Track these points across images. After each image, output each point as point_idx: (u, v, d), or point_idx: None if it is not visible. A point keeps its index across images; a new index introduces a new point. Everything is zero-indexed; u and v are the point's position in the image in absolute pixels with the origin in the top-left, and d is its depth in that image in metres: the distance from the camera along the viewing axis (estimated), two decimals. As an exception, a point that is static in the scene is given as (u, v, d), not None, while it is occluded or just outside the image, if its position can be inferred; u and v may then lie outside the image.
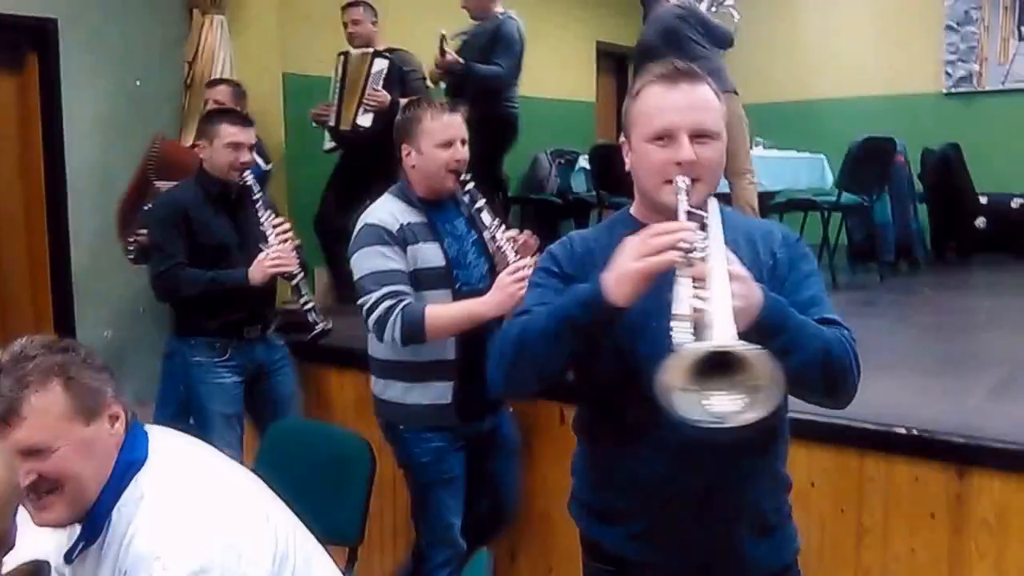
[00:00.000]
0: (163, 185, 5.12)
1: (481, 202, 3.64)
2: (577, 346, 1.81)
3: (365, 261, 3.49)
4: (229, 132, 4.38)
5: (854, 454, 3.32)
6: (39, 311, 6.10)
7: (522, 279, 3.23)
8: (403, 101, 5.84)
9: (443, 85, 6.58)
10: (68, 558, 2.23)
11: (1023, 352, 4.65)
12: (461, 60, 6.27)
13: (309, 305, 4.49)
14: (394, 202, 3.62)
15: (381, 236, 3.48)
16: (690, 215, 1.99)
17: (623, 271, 1.87)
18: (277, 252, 4.28)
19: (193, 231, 4.33)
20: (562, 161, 9.84)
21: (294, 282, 4.40)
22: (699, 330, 1.71)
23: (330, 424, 3.90)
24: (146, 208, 5.03)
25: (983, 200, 9.30)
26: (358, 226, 3.58)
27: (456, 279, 3.55)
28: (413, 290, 3.45)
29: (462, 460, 3.67)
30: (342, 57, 6.63)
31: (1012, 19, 9.82)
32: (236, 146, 4.37)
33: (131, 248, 5.21)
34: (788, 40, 10.81)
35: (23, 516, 2.18)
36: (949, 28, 10.14)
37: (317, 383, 5.15)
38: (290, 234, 4.38)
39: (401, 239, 3.48)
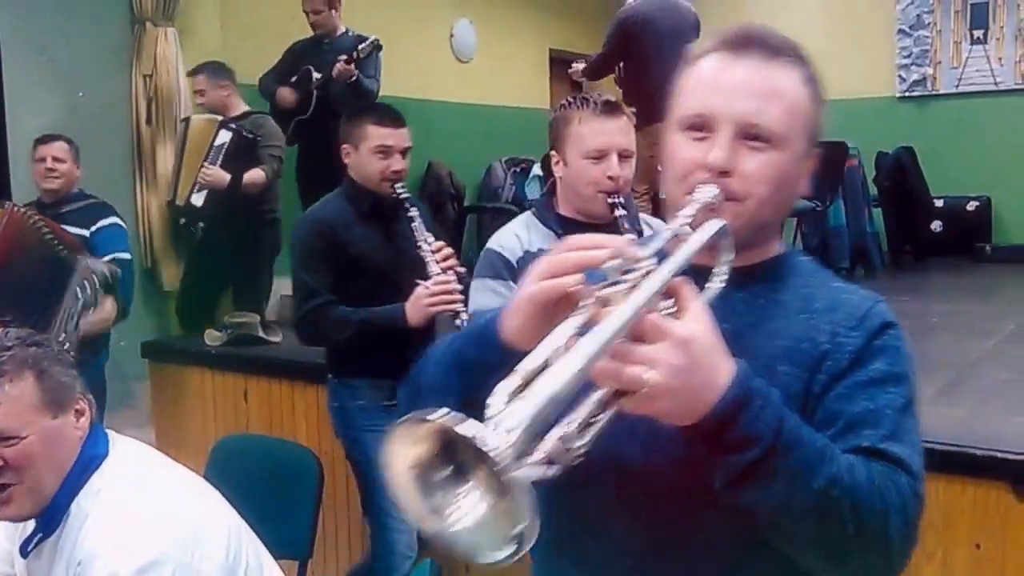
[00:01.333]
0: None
1: (629, 235, 2.71)
2: (463, 389, 1.31)
3: (474, 295, 3.00)
4: (377, 134, 3.72)
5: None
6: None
7: None
8: (247, 177, 5.70)
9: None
10: (24, 551, 2.28)
11: (971, 355, 4.73)
12: (355, 71, 6.29)
13: None
14: (528, 223, 3.02)
15: (496, 266, 2.93)
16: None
17: (517, 296, 1.35)
18: (440, 288, 3.52)
19: (350, 255, 3.69)
20: (517, 169, 9.89)
21: (458, 322, 3.49)
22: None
23: (277, 438, 3.89)
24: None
25: (938, 203, 9.44)
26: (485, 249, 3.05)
27: None
28: None
29: None
30: (184, 123, 6.26)
31: (964, 23, 9.95)
32: (385, 151, 3.72)
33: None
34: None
35: None
36: (902, 32, 10.26)
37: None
38: (454, 261, 3.65)
39: (520, 271, 2.72)
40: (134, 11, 6.55)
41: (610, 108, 2.95)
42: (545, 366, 1.13)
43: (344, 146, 3.84)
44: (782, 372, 1.43)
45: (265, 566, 2.44)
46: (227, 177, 5.72)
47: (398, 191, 3.73)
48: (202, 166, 5.81)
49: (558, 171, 3.02)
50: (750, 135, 1.44)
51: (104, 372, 4.96)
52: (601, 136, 2.89)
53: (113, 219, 5.13)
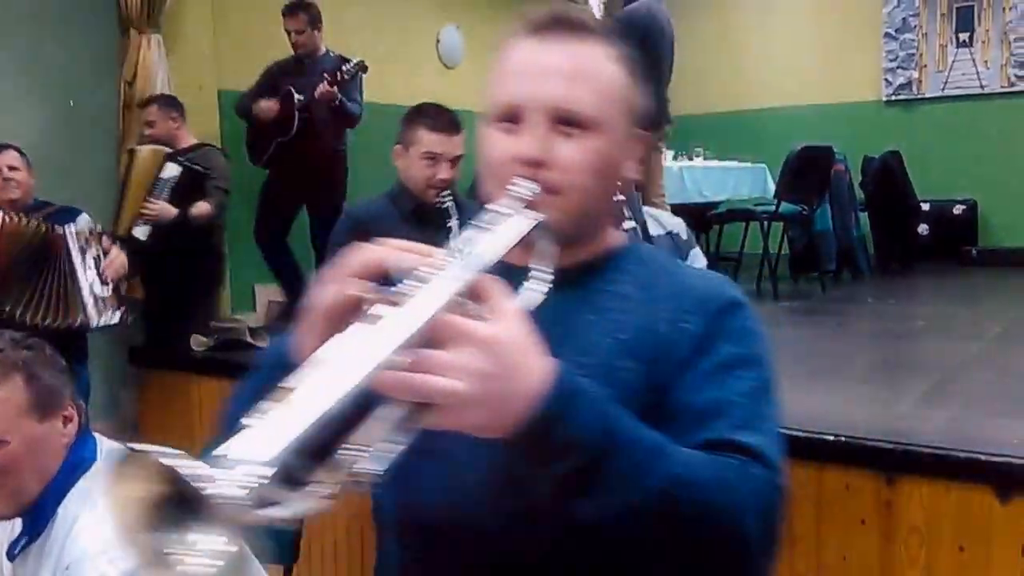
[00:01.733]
0: None
1: (627, 224, 2.51)
2: None
3: None
4: (427, 140, 3.57)
5: (785, 462, 3.35)
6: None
7: None
8: (194, 210, 5.60)
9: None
10: (11, 555, 2.28)
11: (956, 358, 4.74)
12: (338, 95, 6.29)
13: None
14: None
15: None
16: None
17: (306, 311, 1.20)
18: None
19: None
20: (504, 174, 9.91)
21: None
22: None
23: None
24: None
25: (925, 207, 9.45)
26: None
27: None
28: None
29: None
30: (129, 154, 6.04)
31: (949, 26, 9.98)
32: (433, 158, 3.57)
33: None
34: (727, 50, 10.91)
35: None
36: (887, 36, 10.27)
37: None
38: None
39: None
40: (122, 17, 6.55)
41: None
42: (312, 383, 0.97)
43: (397, 146, 3.68)
44: (622, 368, 1.33)
45: (252, 571, 2.44)
46: (173, 211, 5.56)
47: (442, 200, 3.54)
48: (147, 199, 5.64)
49: None
50: (563, 120, 1.35)
51: (89, 376, 4.95)
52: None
53: (86, 216, 5.12)
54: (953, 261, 9.18)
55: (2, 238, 4.58)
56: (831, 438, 3.29)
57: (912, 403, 3.81)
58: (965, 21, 9.93)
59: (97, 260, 4.72)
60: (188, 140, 6.04)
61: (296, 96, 6.37)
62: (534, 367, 1.09)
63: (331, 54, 6.64)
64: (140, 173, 5.77)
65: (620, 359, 1.33)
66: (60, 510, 2.21)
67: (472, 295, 1.10)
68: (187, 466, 0.86)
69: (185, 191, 5.64)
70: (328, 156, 6.47)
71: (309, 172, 6.34)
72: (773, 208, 7.49)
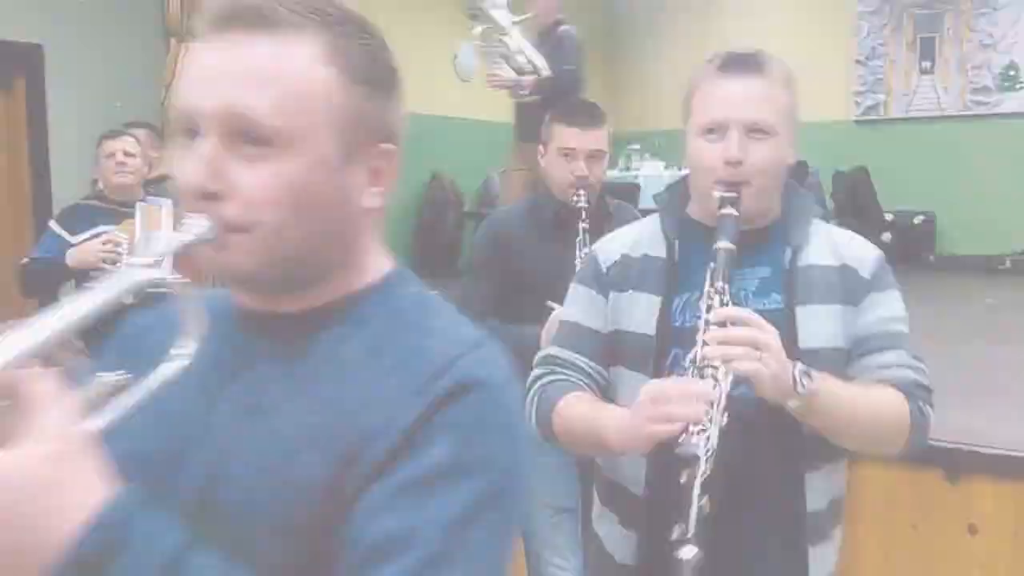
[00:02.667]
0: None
1: (723, 242, 1.71)
2: None
3: (565, 302, 2.02)
4: (560, 134, 3.01)
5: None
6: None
7: (663, 402, 1.58)
8: None
9: None
10: None
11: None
12: None
13: None
14: (646, 223, 1.98)
15: (585, 271, 1.97)
16: None
17: None
18: None
19: (517, 267, 2.98)
20: (513, 179, 9.97)
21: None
22: None
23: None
24: None
25: (888, 217, 9.55)
26: None
27: (674, 359, 1.78)
28: (605, 364, 1.88)
29: None
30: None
31: (914, 55, 10.11)
32: (569, 153, 2.97)
33: None
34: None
35: None
36: (858, 62, 10.40)
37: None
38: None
39: (608, 282, 1.88)
40: (167, 25, 6.62)
41: (740, 64, 1.86)
42: None
43: (539, 146, 3.13)
44: (303, 463, 0.92)
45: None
46: None
47: (579, 200, 2.94)
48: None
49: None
50: (242, 135, 0.94)
51: None
52: (718, 105, 1.81)
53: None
54: (913, 266, 9.23)
55: None
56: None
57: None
58: (928, 51, 10.04)
59: None
60: (159, 171, 5.91)
61: None
62: (61, 508, 0.77)
63: None
64: None
65: (306, 452, 0.93)
66: None
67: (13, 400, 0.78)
68: None
69: None
70: None
71: None
72: (752, 217, 7.54)
